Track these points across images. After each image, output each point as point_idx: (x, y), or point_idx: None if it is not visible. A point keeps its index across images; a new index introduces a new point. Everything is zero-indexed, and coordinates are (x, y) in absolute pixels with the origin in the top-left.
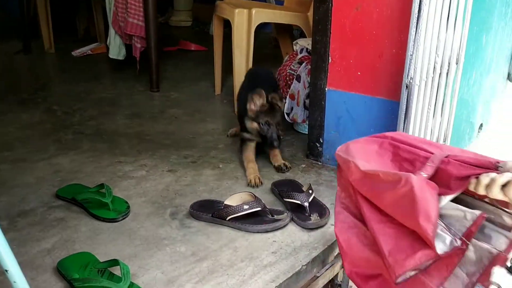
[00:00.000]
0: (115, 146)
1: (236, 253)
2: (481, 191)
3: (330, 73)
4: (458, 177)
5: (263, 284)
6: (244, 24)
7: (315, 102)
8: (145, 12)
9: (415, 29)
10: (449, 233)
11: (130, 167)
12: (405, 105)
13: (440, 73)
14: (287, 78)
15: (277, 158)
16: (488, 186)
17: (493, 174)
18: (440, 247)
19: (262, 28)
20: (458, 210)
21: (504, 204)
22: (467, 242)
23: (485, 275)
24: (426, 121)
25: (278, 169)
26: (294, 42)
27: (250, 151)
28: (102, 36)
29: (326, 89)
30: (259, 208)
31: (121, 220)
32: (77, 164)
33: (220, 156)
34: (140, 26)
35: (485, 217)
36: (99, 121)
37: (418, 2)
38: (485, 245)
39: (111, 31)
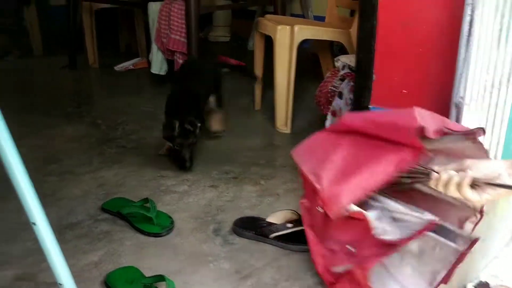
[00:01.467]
0: (157, 160)
1: (280, 272)
2: (440, 188)
3: (374, 91)
4: None
5: None
6: (286, 41)
7: None
8: (188, 29)
9: (465, 47)
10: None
11: (173, 181)
12: None
13: (491, 92)
14: (329, 95)
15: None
16: (446, 184)
17: (452, 172)
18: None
19: (300, 43)
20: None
21: None
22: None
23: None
24: None
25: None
26: (335, 59)
27: None
28: (144, 51)
29: (369, 106)
30: (302, 227)
31: (165, 235)
32: (121, 177)
33: (260, 172)
34: (182, 42)
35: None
36: (140, 135)
37: (469, 20)
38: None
39: (154, 47)
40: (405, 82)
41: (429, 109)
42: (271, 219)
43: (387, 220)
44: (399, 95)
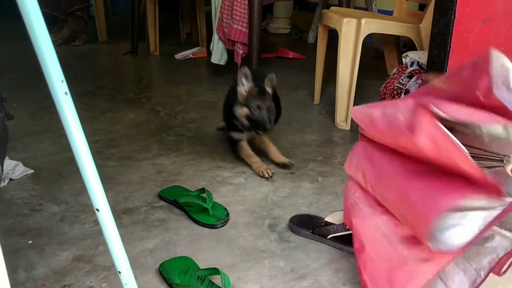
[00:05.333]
0: (215, 150)
1: (337, 275)
2: None
3: None
4: None
5: None
6: (351, 34)
7: None
8: (250, 20)
9: None
10: None
11: (229, 173)
12: None
13: None
14: (394, 92)
15: (277, 155)
16: None
17: None
18: None
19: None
20: None
21: None
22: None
23: (498, 266)
24: None
25: (282, 166)
26: (403, 55)
27: (245, 148)
28: (204, 40)
29: None
30: None
31: (220, 227)
32: (179, 166)
33: (318, 169)
34: (243, 32)
35: None
36: (199, 124)
37: None
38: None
39: (215, 37)
40: None
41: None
42: (330, 219)
43: None
44: None
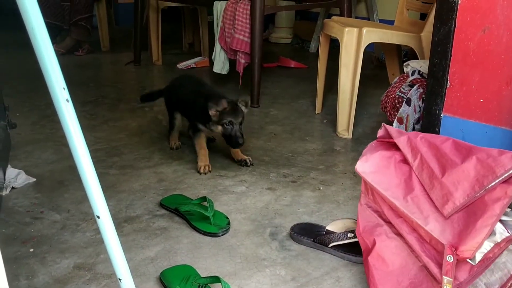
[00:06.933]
0: (216, 159)
1: (338, 283)
2: None
3: (447, 98)
4: None
5: None
6: (353, 43)
7: (428, 128)
8: (252, 29)
9: None
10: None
11: (230, 181)
12: None
13: None
14: (396, 101)
15: (239, 153)
16: None
17: None
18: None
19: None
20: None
21: None
22: None
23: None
24: None
25: (243, 164)
26: (405, 64)
27: (203, 138)
28: (206, 50)
29: (441, 115)
30: None
31: (222, 235)
32: (180, 174)
33: (320, 178)
34: (245, 42)
35: None
36: None
37: None
38: None
39: (217, 47)
40: (482, 90)
41: (508, 120)
42: (331, 227)
43: None
44: (475, 104)
